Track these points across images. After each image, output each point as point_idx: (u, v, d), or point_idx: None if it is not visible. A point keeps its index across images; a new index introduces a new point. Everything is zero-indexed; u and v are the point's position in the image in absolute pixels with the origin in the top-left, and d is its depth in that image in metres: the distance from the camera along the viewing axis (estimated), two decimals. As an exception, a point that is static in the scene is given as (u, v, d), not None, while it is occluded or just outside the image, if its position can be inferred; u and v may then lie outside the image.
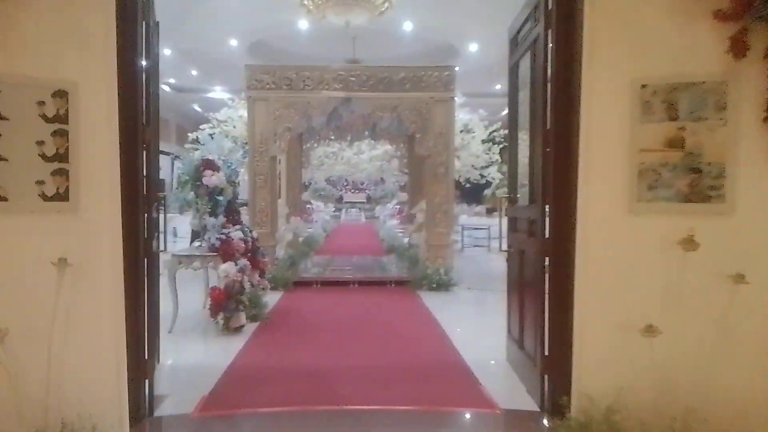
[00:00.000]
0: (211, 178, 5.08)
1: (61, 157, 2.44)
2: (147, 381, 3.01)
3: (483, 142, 13.33)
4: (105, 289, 2.55)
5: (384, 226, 16.39)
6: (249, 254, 5.57)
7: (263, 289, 5.68)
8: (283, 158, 9.89)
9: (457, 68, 7.69)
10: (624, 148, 2.51)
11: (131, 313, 2.83)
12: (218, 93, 17.73)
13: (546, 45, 3.09)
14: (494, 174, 13.98)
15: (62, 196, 2.44)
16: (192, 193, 5.03)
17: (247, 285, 4.95)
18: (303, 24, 12.35)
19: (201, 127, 12.81)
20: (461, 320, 5.63)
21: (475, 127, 12.87)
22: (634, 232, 2.53)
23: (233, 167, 5.29)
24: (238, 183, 5.47)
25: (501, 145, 13.77)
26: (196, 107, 16.15)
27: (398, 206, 22.06)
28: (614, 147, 2.52)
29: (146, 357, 3.02)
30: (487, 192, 19.49)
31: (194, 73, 17.38)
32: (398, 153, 11.82)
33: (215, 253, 4.89)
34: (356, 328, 5.24)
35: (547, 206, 3.11)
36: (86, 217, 2.49)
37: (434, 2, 10.68)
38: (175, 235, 13.06)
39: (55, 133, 2.43)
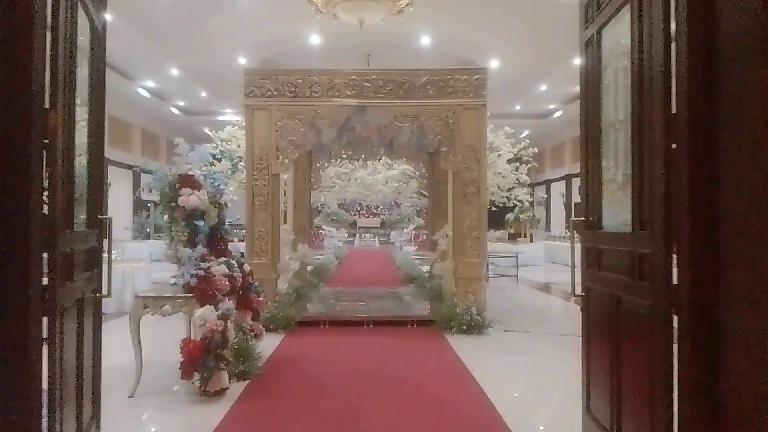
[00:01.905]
0: (190, 198, 4.03)
1: None
2: None
3: (509, 162, 12.27)
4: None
5: (400, 253, 15.22)
6: (239, 292, 4.49)
7: (256, 336, 4.56)
8: (289, 179, 8.87)
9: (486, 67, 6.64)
10: None
11: (17, 407, 1.75)
12: (229, 116, 16.95)
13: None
14: (522, 196, 12.85)
15: None
16: (165, 216, 3.97)
17: (231, 335, 3.84)
18: (314, 39, 11.53)
19: (204, 146, 11.97)
20: (506, 377, 4.42)
21: (501, 145, 11.81)
22: None
23: (217, 184, 4.23)
24: (226, 205, 4.39)
25: (528, 165, 12.70)
26: (207, 131, 15.47)
27: (414, 231, 20.91)
28: None
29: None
30: (510, 216, 18.33)
31: (203, 94, 16.72)
32: (417, 173, 10.73)
33: (191, 294, 3.79)
34: (372, 390, 4.07)
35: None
36: None
37: (454, 14, 9.77)
38: (175, 263, 12.03)
39: None
